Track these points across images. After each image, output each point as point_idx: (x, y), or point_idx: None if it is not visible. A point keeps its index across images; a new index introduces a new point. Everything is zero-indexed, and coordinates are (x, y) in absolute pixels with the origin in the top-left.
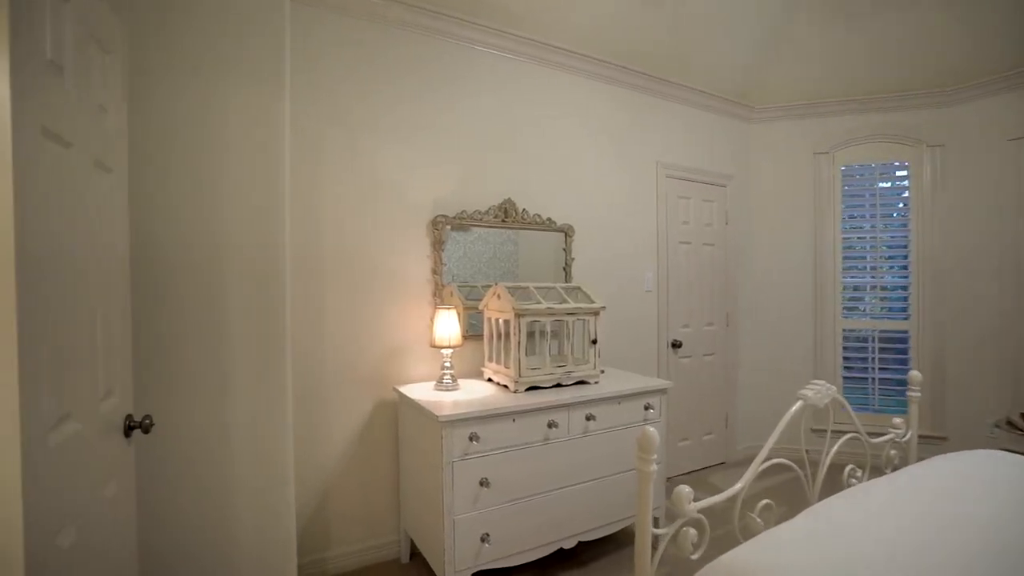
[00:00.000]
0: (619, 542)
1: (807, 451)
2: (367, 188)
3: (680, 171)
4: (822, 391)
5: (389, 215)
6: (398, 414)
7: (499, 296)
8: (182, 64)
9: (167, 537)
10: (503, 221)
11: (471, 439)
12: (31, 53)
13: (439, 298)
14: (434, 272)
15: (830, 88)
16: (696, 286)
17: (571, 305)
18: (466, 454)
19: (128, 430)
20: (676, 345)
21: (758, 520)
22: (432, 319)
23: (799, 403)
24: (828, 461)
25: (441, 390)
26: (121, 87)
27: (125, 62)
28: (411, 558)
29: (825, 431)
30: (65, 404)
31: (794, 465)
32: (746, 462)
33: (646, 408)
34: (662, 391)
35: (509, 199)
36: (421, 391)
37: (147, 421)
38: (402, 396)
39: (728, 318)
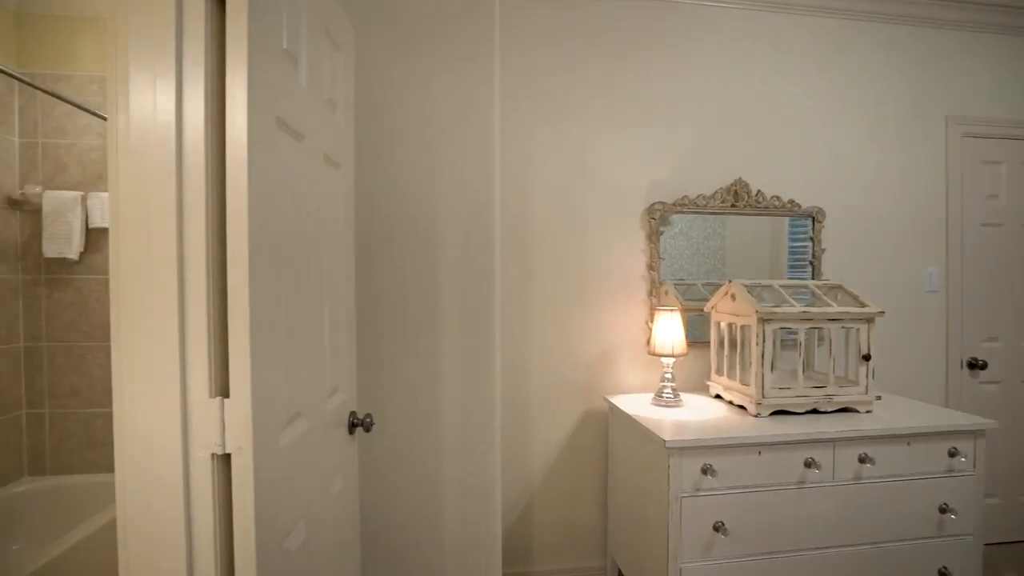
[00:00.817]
0: None
1: None
2: (575, 174)
3: (985, 125)
4: None
5: (599, 203)
6: (608, 427)
7: (733, 296)
8: (399, 55)
9: (379, 532)
10: (732, 206)
11: (704, 472)
12: (268, 40)
13: (656, 298)
14: (649, 267)
15: None
16: (1009, 286)
17: (834, 309)
18: (697, 489)
19: (351, 427)
20: (976, 366)
21: None
22: (648, 322)
23: None
24: None
25: (660, 405)
26: (349, 84)
27: (353, 59)
28: None
29: None
30: (296, 402)
31: None
32: None
33: (951, 454)
34: (977, 433)
35: (740, 179)
36: (636, 404)
37: (368, 419)
38: (614, 408)
39: None
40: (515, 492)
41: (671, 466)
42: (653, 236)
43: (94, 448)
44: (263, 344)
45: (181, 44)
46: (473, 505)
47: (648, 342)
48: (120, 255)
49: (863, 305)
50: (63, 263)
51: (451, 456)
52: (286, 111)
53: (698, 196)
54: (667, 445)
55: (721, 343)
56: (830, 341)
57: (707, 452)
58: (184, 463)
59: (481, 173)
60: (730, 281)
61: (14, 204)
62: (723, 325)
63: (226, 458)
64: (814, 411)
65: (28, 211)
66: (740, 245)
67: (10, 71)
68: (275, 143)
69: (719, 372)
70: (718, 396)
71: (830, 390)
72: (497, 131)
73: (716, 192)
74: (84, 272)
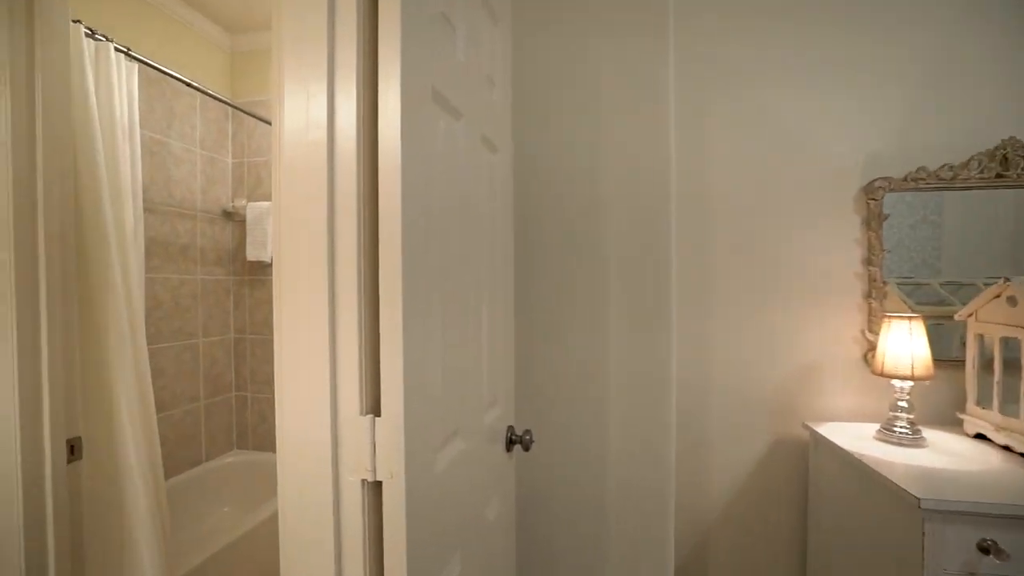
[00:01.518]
0: None
1: None
2: (764, 149)
3: None
4: None
5: (795, 183)
6: (809, 461)
7: (1013, 300)
8: (557, 26)
9: (535, 558)
10: (998, 176)
11: (985, 551)
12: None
13: (876, 300)
14: (867, 262)
15: None
16: None
17: None
18: (972, 574)
19: (509, 443)
20: None
21: None
22: (865, 331)
23: None
24: None
25: (892, 443)
26: (507, 60)
27: (510, 33)
28: None
29: None
30: (452, 419)
31: None
32: None
33: None
34: None
35: (1012, 139)
36: (853, 438)
37: (527, 436)
38: (819, 440)
39: None
40: (688, 521)
41: (927, 534)
42: (873, 222)
43: None
44: (418, 354)
45: (333, 18)
46: (642, 533)
47: (866, 357)
48: (281, 260)
49: None
50: (260, 265)
51: (617, 476)
52: (442, 82)
53: (942, 167)
54: (922, 505)
55: (986, 364)
56: None
57: (989, 523)
58: (334, 486)
59: (654, 155)
60: (1006, 279)
61: (227, 215)
62: (990, 339)
63: (377, 485)
64: None
65: (236, 221)
66: (963, 233)
67: (227, 100)
68: (431, 120)
69: (982, 404)
70: (980, 436)
71: None
72: (672, 103)
73: (972, 159)
74: None
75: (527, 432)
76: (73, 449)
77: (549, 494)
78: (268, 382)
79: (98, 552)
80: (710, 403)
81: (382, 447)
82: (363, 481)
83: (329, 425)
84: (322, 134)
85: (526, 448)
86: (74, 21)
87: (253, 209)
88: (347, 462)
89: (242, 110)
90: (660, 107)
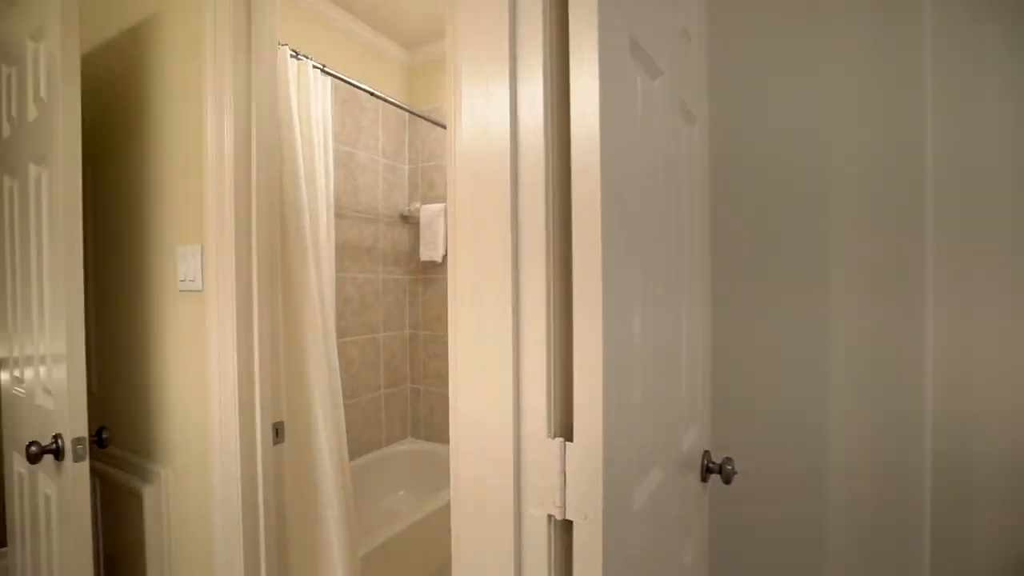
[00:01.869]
0: None
1: None
2: None
3: None
4: None
5: None
6: None
7: None
8: None
9: None
10: None
11: None
12: None
13: None
14: None
15: None
16: None
17: None
18: None
19: (705, 472)
20: None
21: None
22: None
23: None
24: None
25: None
26: (701, 12)
27: None
28: None
29: None
30: (651, 444)
31: None
32: None
33: None
34: None
35: None
36: None
37: (729, 466)
38: None
39: None
40: None
41: None
42: None
43: None
44: (617, 366)
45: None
46: None
47: None
48: (456, 263)
49: None
50: (432, 265)
51: (840, 509)
52: (641, 31)
53: None
54: None
55: None
56: None
57: None
58: (515, 520)
59: (899, 114)
60: None
61: (403, 219)
62: None
63: (566, 524)
64: None
65: (411, 224)
66: None
67: (408, 108)
68: (629, 80)
69: None
70: None
71: None
72: (930, 47)
73: None
74: (445, 272)
75: (728, 460)
76: (277, 432)
77: (747, 530)
78: (439, 376)
79: (296, 527)
80: (974, 439)
81: (574, 478)
82: (550, 517)
83: (511, 446)
84: (504, 114)
85: (727, 480)
86: (280, 44)
87: (426, 212)
88: (531, 493)
89: (420, 115)
90: (911, 56)
